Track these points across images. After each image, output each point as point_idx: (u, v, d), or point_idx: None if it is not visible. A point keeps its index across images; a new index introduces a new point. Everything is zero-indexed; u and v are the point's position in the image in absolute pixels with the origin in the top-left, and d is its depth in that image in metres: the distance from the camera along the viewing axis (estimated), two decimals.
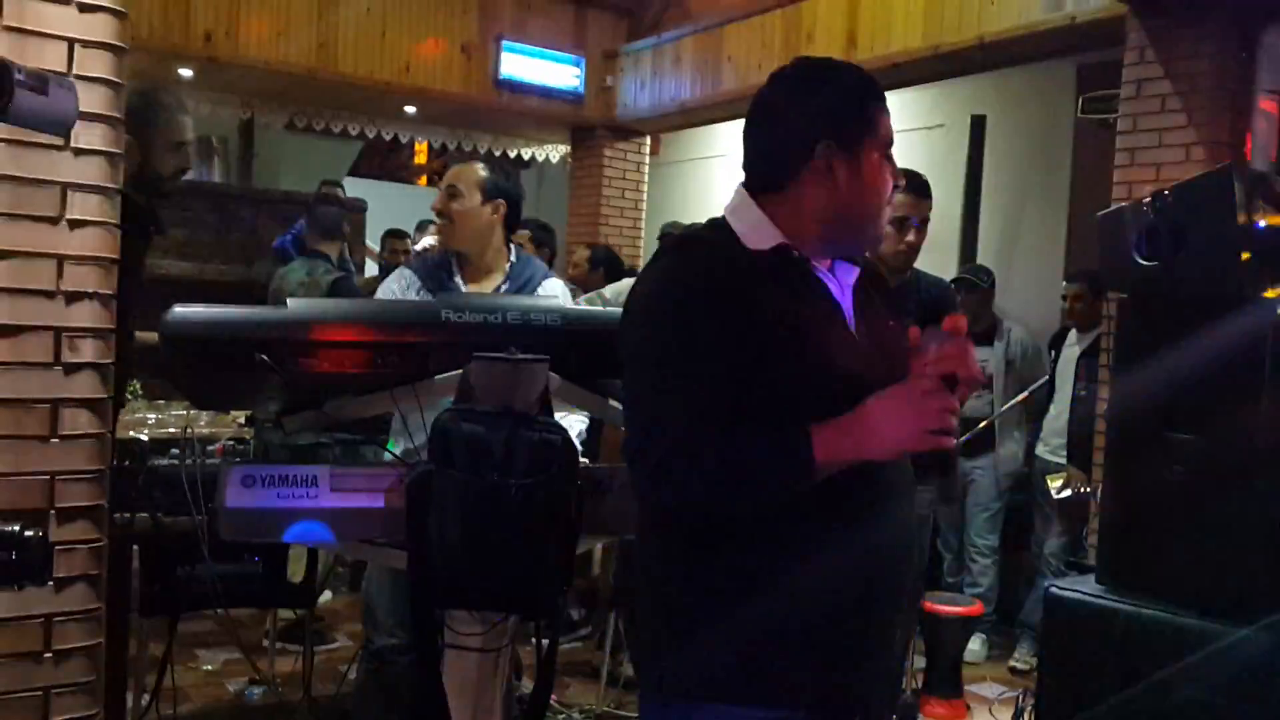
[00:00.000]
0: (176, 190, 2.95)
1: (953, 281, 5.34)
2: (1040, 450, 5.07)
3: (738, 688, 1.53)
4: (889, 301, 1.78)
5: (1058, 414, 4.99)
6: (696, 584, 1.56)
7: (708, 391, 1.48)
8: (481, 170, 3.05)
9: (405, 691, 2.84)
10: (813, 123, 1.59)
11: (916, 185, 3.11)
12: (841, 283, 1.65)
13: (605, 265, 5.64)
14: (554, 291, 3.08)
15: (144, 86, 3.00)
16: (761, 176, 1.65)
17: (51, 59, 2.18)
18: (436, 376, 2.20)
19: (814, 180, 1.59)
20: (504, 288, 3.00)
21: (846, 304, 1.63)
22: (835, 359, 1.54)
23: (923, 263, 4.76)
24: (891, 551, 1.60)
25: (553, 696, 3.72)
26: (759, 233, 1.60)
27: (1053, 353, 5.23)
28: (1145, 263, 2.46)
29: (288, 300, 2.27)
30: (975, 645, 4.98)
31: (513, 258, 3.08)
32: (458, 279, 3.01)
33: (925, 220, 3.15)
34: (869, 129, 1.60)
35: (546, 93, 7.46)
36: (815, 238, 1.60)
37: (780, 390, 1.50)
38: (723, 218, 1.65)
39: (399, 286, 3.01)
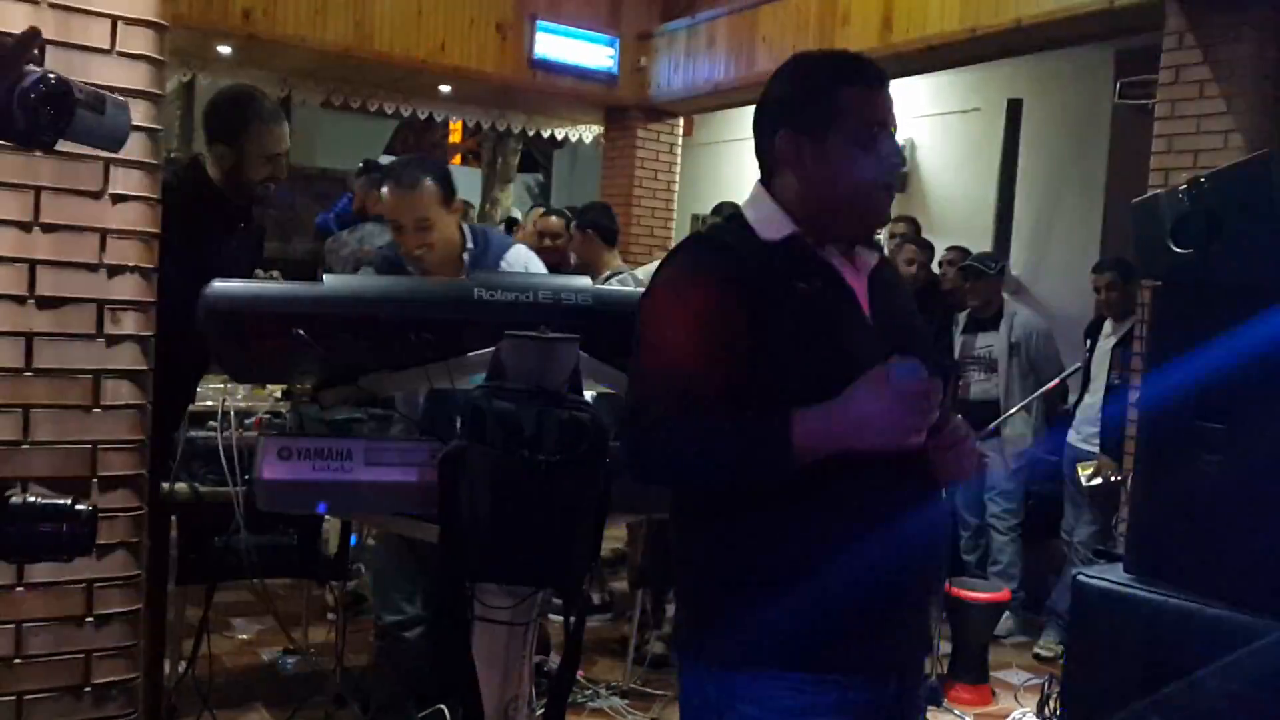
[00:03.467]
0: (266, 197, 2.96)
1: (961, 268, 5.36)
2: (1072, 439, 5.05)
3: (777, 656, 1.57)
4: (907, 289, 1.83)
5: (1091, 403, 4.97)
6: (735, 559, 1.60)
7: (698, 379, 1.53)
8: (430, 183, 2.79)
9: (419, 665, 2.88)
10: (773, 113, 1.67)
11: None
12: (859, 269, 1.68)
13: (595, 227, 5.09)
14: (518, 261, 2.99)
15: (240, 92, 3.04)
16: (761, 168, 1.71)
17: (96, 36, 2.22)
18: (469, 354, 2.23)
19: (786, 167, 1.65)
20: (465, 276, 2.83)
21: (861, 290, 1.66)
22: (849, 344, 1.59)
23: (938, 249, 4.71)
24: (924, 529, 1.62)
25: (579, 672, 3.76)
26: (772, 223, 1.65)
27: (1088, 342, 5.21)
28: (1180, 251, 2.45)
29: (325, 277, 2.30)
30: (1004, 623, 5.03)
31: (469, 243, 2.91)
32: (410, 270, 2.88)
33: None
34: (835, 113, 1.61)
35: (580, 73, 7.46)
36: (813, 222, 1.64)
37: (795, 376, 1.54)
38: (739, 212, 1.70)
39: None
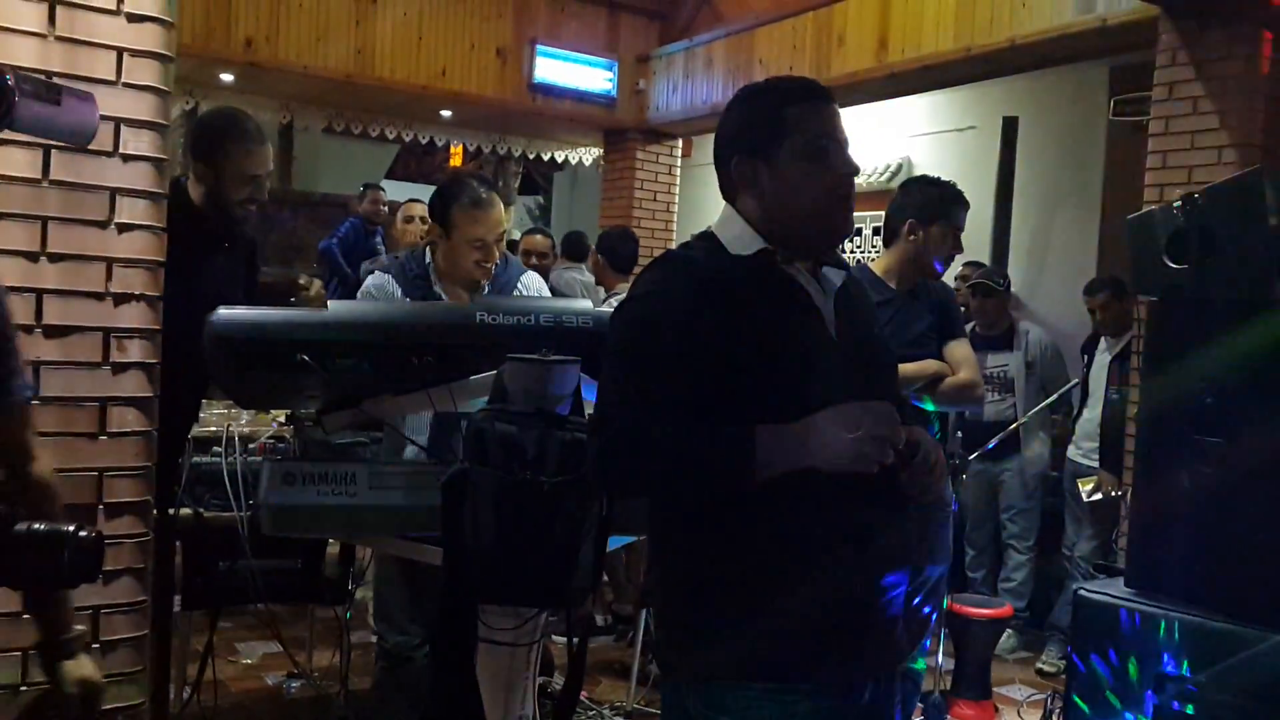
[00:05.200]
0: (246, 218, 2.99)
1: (970, 286, 5.34)
2: (1072, 454, 5.06)
3: (750, 668, 1.60)
4: (872, 306, 1.87)
5: (1090, 418, 4.98)
6: (707, 574, 1.63)
7: (666, 389, 1.57)
8: (500, 201, 2.97)
9: (422, 687, 2.88)
10: (727, 143, 1.74)
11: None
12: (826, 287, 1.73)
13: (604, 253, 5.48)
14: (532, 286, 3.10)
15: (222, 113, 3.07)
16: (725, 199, 1.77)
17: (102, 68, 2.25)
18: (471, 377, 2.25)
19: (745, 190, 1.71)
20: (485, 291, 2.95)
21: (828, 308, 1.71)
22: (812, 362, 1.63)
23: (954, 264, 4.78)
24: (890, 549, 1.66)
25: (583, 693, 3.76)
26: (742, 240, 1.70)
27: (1085, 357, 5.22)
28: (1175, 266, 2.47)
29: (329, 302, 2.33)
30: (1005, 641, 5.02)
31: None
32: (437, 288, 2.96)
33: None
34: (783, 132, 1.67)
35: (580, 96, 7.52)
36: (778, 240, 1.69)
37: (758, 392, 1.59)
38: (711, 231, 1.75)
39: (380, 293, 2.97)
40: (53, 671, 1.64)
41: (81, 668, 1.63)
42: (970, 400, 3.32)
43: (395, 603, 2.98)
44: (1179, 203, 2.48)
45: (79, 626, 1.74)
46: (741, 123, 1.73)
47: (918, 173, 7.37)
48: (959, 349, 3.21)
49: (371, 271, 4.83)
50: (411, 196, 6.61)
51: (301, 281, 2.96)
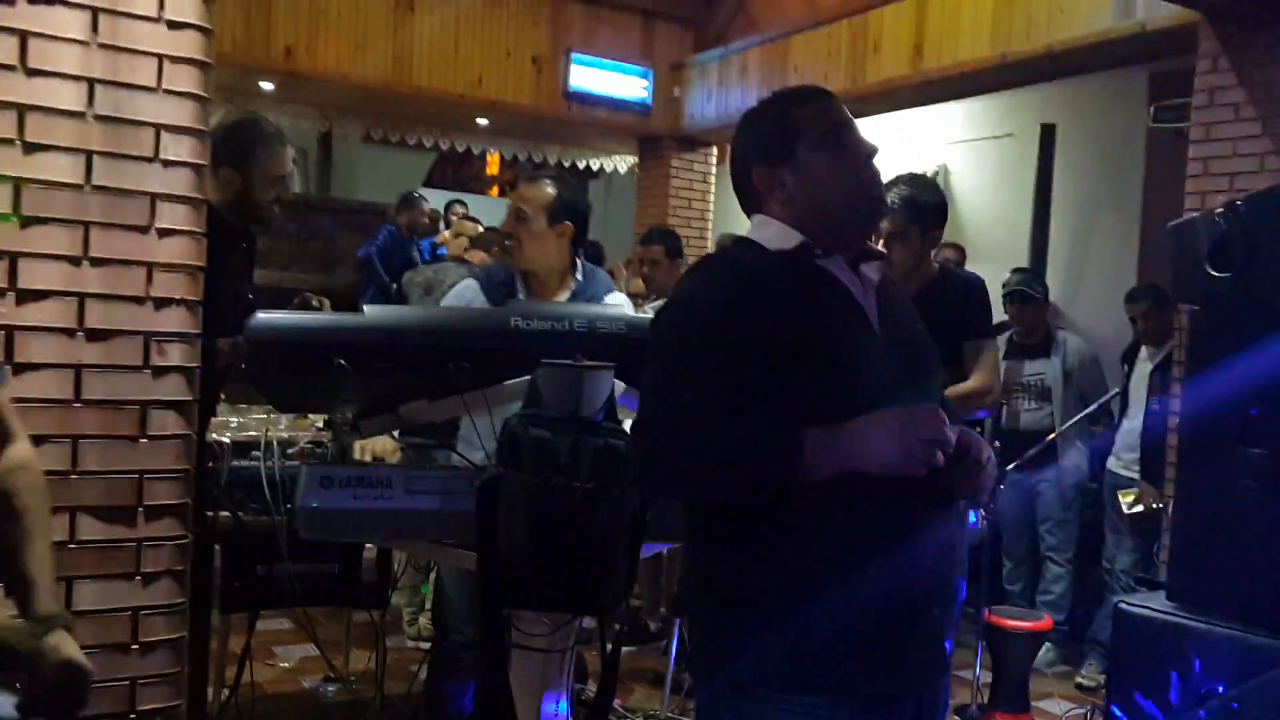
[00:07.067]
0: (272, 218, 3.05)
1: (1007, 293, 5.28)
2: (1113, 465, 4.99)
3: (792, 678, 1.58)
4: (910, 303, 1.86)
5: (1131, 429, 4.92)
6: (749, 580, 1.61)
7: (711, 389, 1.57)
8: (549, 189, 2.93)
9: (473, 687, 2.89)
10: (743, 158, 1.76)
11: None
12: (865, 284, 1.72)
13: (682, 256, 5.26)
14: (619, 304, 3.06)
15: (246, 118, 3.13)
16: (746, 210, 1.79)
17: (143, 74, 2.29)
18: (505, 382, 2.26)
19: (771, 199, 1.73)
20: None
21: (870, 303, 1.70)
22: (857, 358, 1.63)
23: (992, 272, 4.71)
24: (937, 554, 1.64)
25: (616, 701, 3.76)
26: (780, 237, 1.70)
27: (1125, 367, 5.16)
28: (1217, 274, 2.44)
29: (365, 307, 2.35)
30: (1044, 655, 4.95)
31: (579, 275, 3.00)
32: (521, 296, 2.95)
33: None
34: (797, 133, 1.70)
35: (615, 104, 7.55)
36: (815, 235, 1.69)
37: (804, 389, 1.58)
38: (747, 236, 1.76)
39: (464, 300, 3.00)
40: (32, 650, 1.51)
41: (64, 647, 1.52)
42: (978, 407, 3.22)
43: (454, 603, 2.97)
44: (1221, 210, 2.44)
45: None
46: (754, 136, 1.76)
47: (955, 180, 7.35)
48: (975, 350, 3.09)
49: (411, 281, 4.90)
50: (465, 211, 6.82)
51: (315, 304, 2.99)
